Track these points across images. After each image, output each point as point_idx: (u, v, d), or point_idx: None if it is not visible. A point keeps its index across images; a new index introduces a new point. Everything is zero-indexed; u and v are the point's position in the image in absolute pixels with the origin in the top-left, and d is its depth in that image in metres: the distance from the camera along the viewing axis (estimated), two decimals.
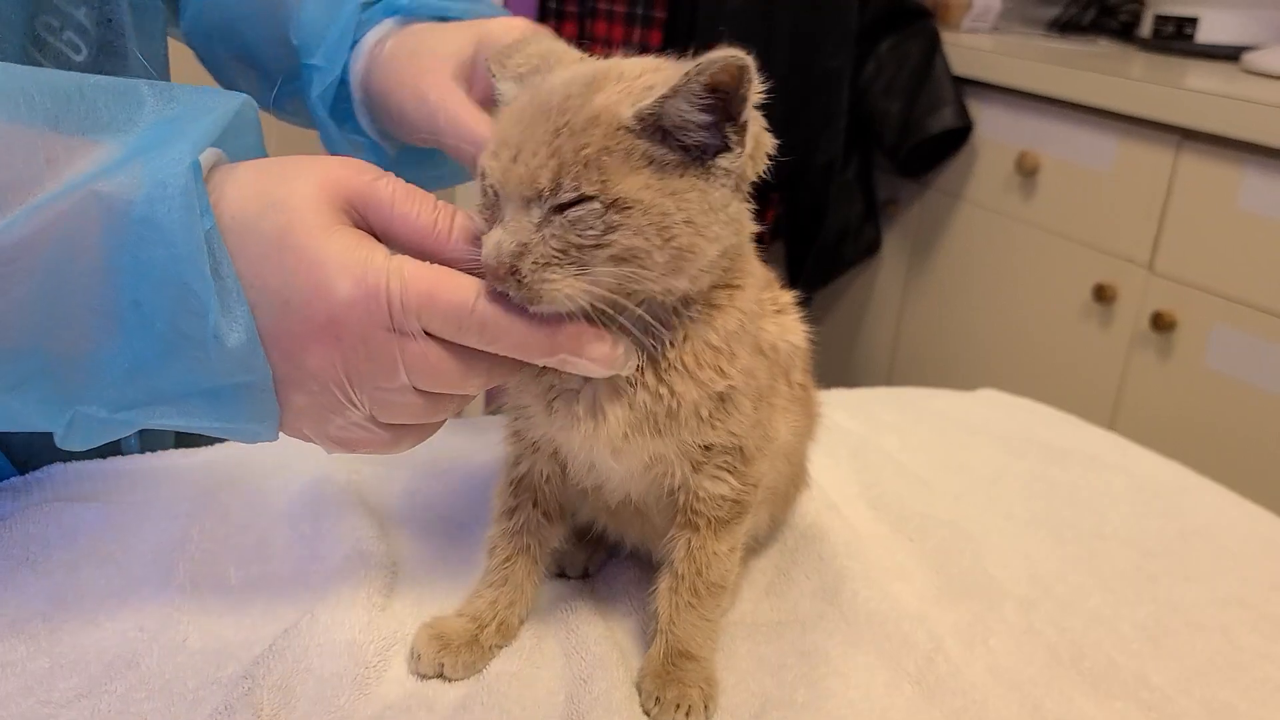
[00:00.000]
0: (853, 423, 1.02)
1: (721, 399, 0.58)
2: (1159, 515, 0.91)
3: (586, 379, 0.57)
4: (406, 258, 0.53)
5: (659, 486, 0.63)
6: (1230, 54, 2.09)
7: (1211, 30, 2.21)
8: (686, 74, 0.50)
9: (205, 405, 0.55)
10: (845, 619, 0.72)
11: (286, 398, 0.55)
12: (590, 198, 0.50)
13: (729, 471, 0.62)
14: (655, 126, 0.52)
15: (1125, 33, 2.59)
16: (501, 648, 0.67)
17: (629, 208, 0.51)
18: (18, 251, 0.49)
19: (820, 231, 2.45)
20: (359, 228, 0.54)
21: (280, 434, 0.58)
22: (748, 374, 0.59)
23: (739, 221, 0.57)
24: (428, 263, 0.53)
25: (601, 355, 0.54)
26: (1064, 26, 2.72)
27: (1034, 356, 2.18)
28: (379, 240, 0.55)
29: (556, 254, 0.51)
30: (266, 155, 0.58)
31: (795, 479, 0.76)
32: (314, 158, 0.55)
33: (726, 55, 0.49)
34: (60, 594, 0.69)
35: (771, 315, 0.64)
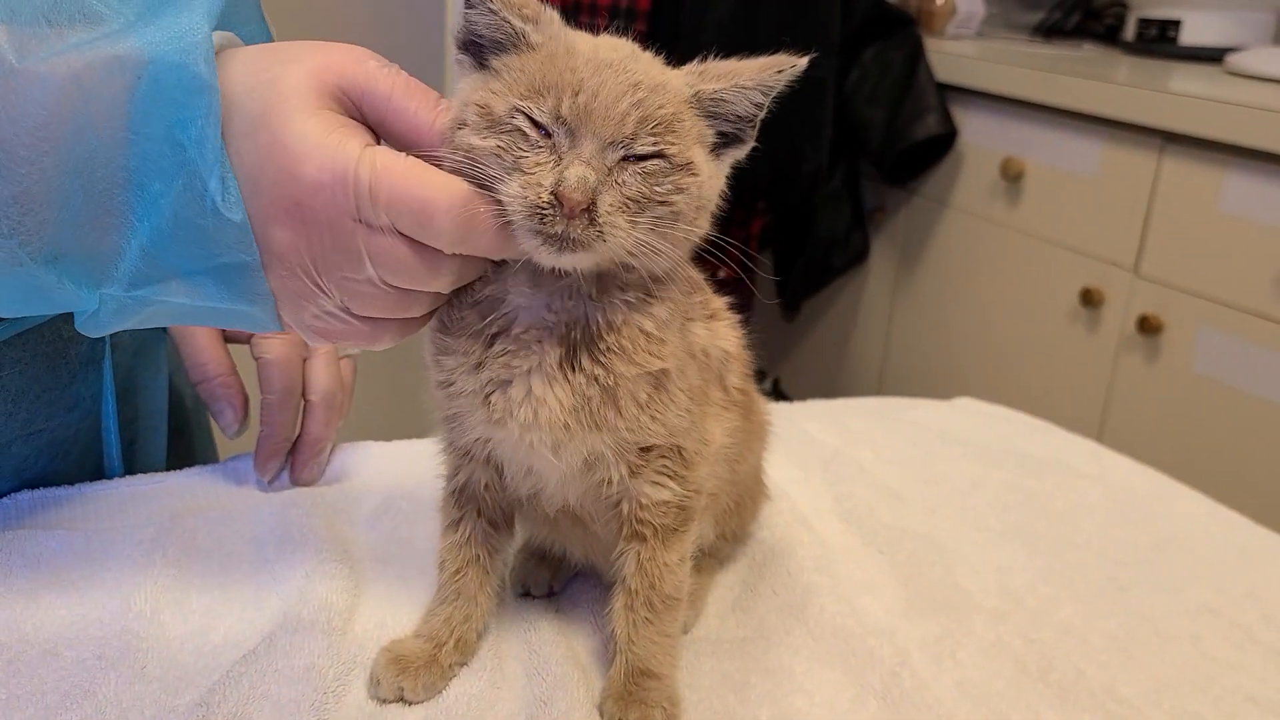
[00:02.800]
0: (827, 435, 1.01)
1: (657, 384, 0.59)
2: (1132, 525, 0.90)
3: (530, 369, 0.57)
4: (384, 148, 0.53)
5: (597, 492, 0.63)
6: (1214, 56, 2.09)
7: (1195, 32, 2.21)
8: (766, 71, 0.55)
9: (211, 282, 0.54)
10: (811, 635, 0.72)
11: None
12: (663, 155, 0.53)
13: (670, 476, 0.62)
14: (711, 109, 0.55)
15: (1110, 36, 2.59)
16: (462, 665, 0.67)
17: (695, 174, 0.54)
18: (46, 117, 0.49)
19: (808, 240, 2.45)
20: (351, 116, 0.54)
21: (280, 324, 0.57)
22: (680, 363, 0.59)
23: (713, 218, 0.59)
24: (406, 155, 0.53)
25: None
26: (1048, 31, 2.72)
27: (1023, 361, 2.17)
28: (373, 131, 0.55)
29: (629, 201, 0.52)
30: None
31: (750, 490, 0.76)
32: (319, 43, 0.56)
33: (796, 63, 0.55)
34: (19, 623, 0.68)
35: (703, 320, 0.64)
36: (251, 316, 0.56)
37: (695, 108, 0.56)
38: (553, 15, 0.57)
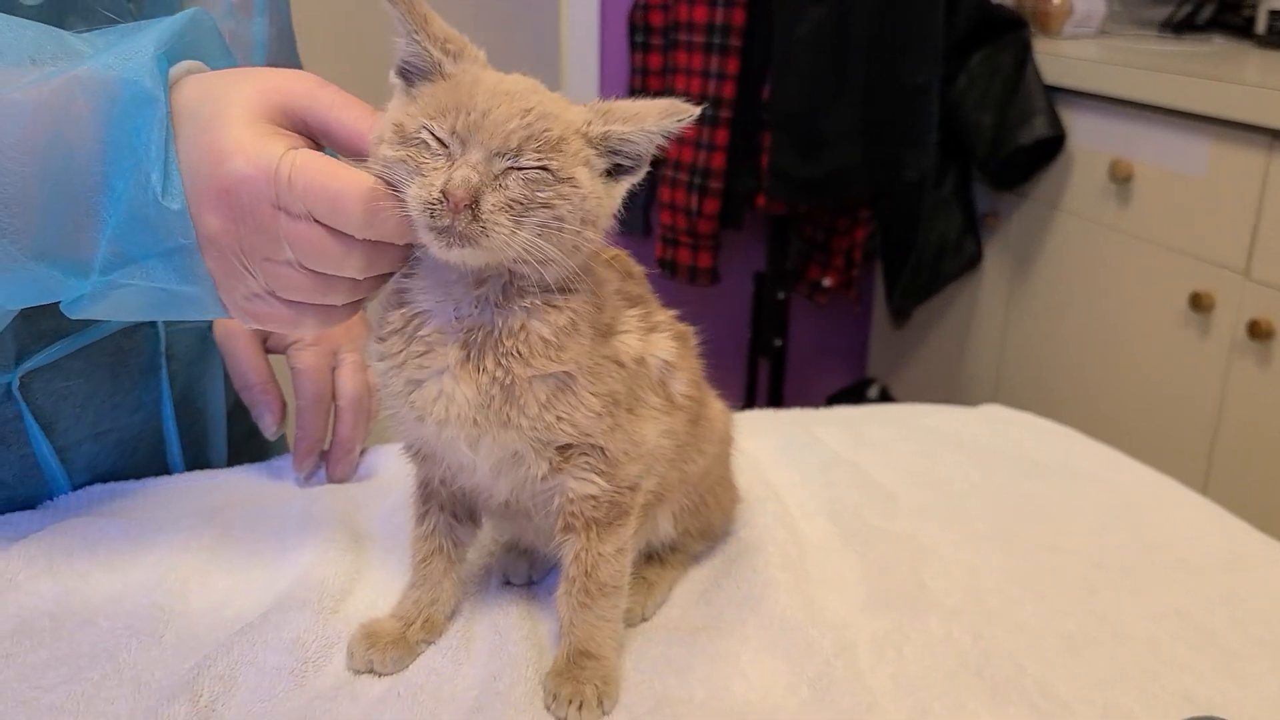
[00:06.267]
0: (837, 440, 1.05)
1: (561, 387, 0.65)
2: (1126, 529, 0.91)
3: (441, 369, 0.64)
4: (308, 150, 0.62)
5: (530, 487, 0.69)
6: None
7: None
8: (668, 118, 0.62)
9: (160, 266, 0.64)
10: (762, 626, 0.77)
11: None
12: (546, 169, 0.60)
13: (596, 473, 0.68)
14: (616, 146, 0.63)
15: (1246, 30, 2.49)
16: (429, 643, 0.74)
17: (577, 188, 0.61)
18: (24, 134, 0.60)
19: (917, 247, 2.45)
20: (296, 130, 0.64)
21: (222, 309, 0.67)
22: (593, 369, 0.65)
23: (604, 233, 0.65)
24: (326, 156, 0.62)
25: None
26: (1178, 26, 2.63)
27: (1134, 368, 2.12)
28: (317, 142, 0.64)
29: (512, 202, 0.59)
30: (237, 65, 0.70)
31: (712, 490, 0.81)
32: (270, 69, 0.66)
33: (692, 111, 0.62)
34: (68, 596, 0.80)
35: (639, 331, 0.70)
36: (197, 299, 0.65)
37: (597, 143, 0.62)
38: (477, 54, 0.65)
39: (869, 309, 2.97)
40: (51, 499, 0.92)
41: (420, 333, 0.65)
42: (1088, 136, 2.22)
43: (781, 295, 2.61)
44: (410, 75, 0.64)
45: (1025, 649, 0.75)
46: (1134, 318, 2.11)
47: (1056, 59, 2.27)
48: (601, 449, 0.67)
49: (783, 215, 2.49)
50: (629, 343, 0.69)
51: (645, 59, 2.42)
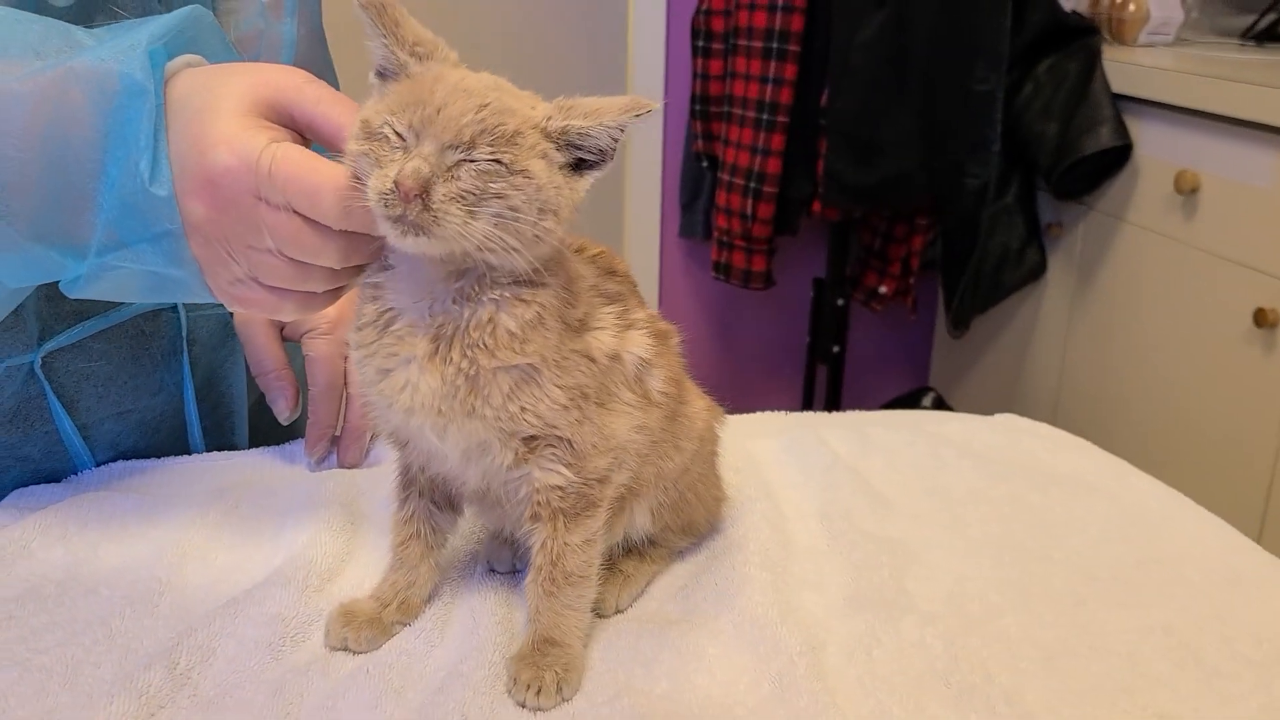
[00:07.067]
0: (843, 444, 1.04)
1: (525, 379, 0.66)
2: (1125, 541, 0.89)
3: (409, 358, 0.67)
4: (290, 144, 0.65)
5: (499, 476, 0.71)
6: None
7: None
8: (626, 113, 0.63)
9: (150, 250, 0.67)
10: (734, 622, 0.77)
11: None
12: (500, 162, 0.61)
13: (563, 464, 0.69)
14: (576, 140, 0.64)
15: None
16: (404, 625, 0.76)
17: (529, 178, 0.62)
18: (25, 123, 0.64)
19: (976, 256, 2.41)
20: (282, 124, 0.67)
21: (209, 293, 0.70)
22: (560, 362, 0.67)
23: (568, 225, 0.66)
24: (306, 150, 0.65)
25: None
26: (1260, 36, 2.55)
27: (1197, 384, 2.06)
28: (303, 135, 0.67)
29: (464, 193, 0.61)
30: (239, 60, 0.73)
31: (693, 487, 0.82)
32: (262, 64, 0.70)
33: (651, 106, 0.63)
34: (76, 566, 0.83)
35: (615, 328, 0.71)
36: (184, 282, 0.69)
37: (556, 137, 0.64)
38: (448, 54, 0.67)
39: (931, 318, 2.93)
40: (76, 474, 0.97)
41: (393, 326, 0.67)
42: (1154, 146, 2.17)
43: (840, 302, 2.60)
44: (385, 76, 0.67)
45: (998, 657, 0.75)
46: (1196, 332, 2.06)
47: (1126, 67, 2.22)
48: (568, 441, 0.69)
49: (841, 221, 2.48)
50: (602, 339, 0.70)
51: (706, 64, 2.43)
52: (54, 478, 0.96)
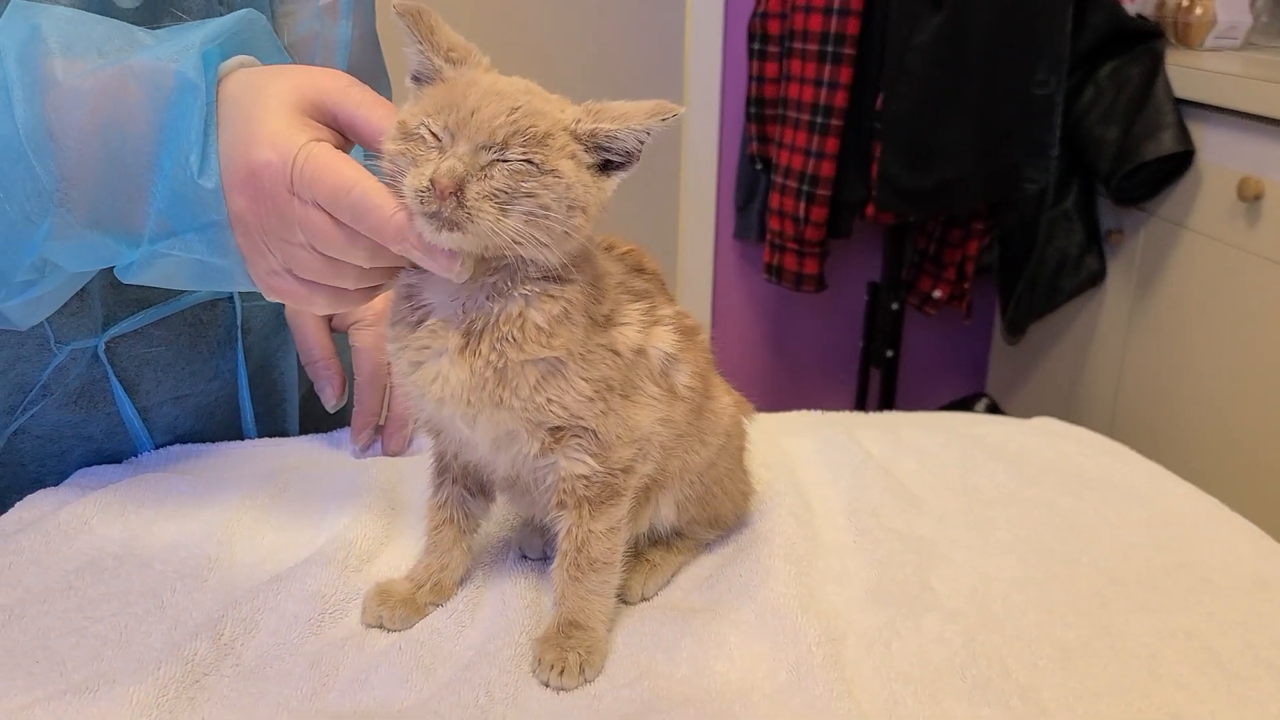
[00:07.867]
0: (876, 444, 1.06)
1: (551, 371, 0.69)
2: (1155, 547, 0.89)
3: (440, 351, 0.69)
4: (324, 144, 0.68)
5: (527, 464, 0.73)
6: None
7: None
8: (653, 117, 0.66)
9: (197, 239, 0.71)
10: (756, 613, 0.79)
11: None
12: (531, 162, 0.64)
13: (588, 454, 0.72)
14: (604, 143, 0.67)
15: None
16: (436, 605, 0.79)
17: (559, 178, 0.65)
18: (85, 117, 0.68)
19: (1033, 262, 2.39)
20: (326, 124, 0.70)
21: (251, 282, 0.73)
22: (585, 356, 0.69)
23: (596, 223, 0.69)
24: (337, 151, 0.68)
25: (442, 260, 0.66)
26: None
27: (1255, 394, 2.03)
28: (345, 135, 0.70)
29: (497, 191, 0.64)
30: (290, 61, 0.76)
31: (720, 481, 0.84)
32: (310, 67, 0.72)
33: (677, 110, 0.66)
34: (132, 542, 0.88)
35: (640, 324, 0.74)
36: (229, 271, 0.72)
37: (585, 139, 0.66)
38: (480, 60, 0.70)
39: (988, 323, 2.91)
40: (136, 455, 1.01)
41: (426, 322, 0.70)
42: (1217, 152, 2.14)
43: (895, 306, 2.59)
44: (420, 80, 0.70)
45: (1016, 654, 0.76)
46: (1258, 342, 2.02)
47: (1190, 71, 2.19)
48: (593, 431, 0.71)
49: (895, 225, 2.48)
50: (627, 334, 0.73)
51: (762, 66, 2.44)
52: (115, 458, 1.01)
